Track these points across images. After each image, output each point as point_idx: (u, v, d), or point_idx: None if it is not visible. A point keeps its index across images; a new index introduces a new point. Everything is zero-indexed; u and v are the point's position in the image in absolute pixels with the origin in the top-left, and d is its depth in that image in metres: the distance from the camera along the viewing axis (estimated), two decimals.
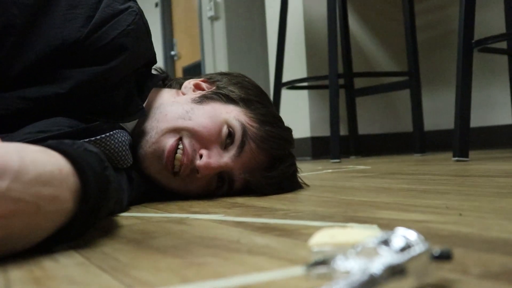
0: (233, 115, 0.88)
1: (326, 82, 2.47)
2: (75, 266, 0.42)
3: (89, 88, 0.78)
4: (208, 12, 4.39)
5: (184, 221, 0.65)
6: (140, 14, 0.82)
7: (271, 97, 2.65)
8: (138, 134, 0.88)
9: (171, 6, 5.47)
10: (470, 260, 0.36)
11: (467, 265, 0.34)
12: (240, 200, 0.86)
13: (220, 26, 4.29)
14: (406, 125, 2.99)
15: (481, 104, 2.64)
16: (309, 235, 0.38)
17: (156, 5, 5.48)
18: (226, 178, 0.89)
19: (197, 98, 0.91)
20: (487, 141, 2.65)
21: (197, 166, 0.85)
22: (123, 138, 0.80)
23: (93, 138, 0.74)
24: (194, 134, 0.86)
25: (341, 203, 0.75)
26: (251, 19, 4.25)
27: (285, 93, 2.79)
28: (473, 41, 1.66)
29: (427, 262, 0.29)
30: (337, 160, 2.21)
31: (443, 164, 1.57)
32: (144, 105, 0.88)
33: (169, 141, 0.85)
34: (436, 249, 0.30)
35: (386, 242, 0.29)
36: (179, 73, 5.24)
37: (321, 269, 0.29)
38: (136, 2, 0.84)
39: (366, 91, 2.80)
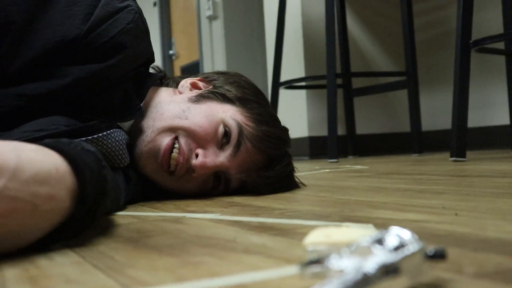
0: (229, 114, 0.88)
1: (324, 81, 2.47)
2: (71, 265, 0.42)
3: (87, 85, 0.77)
4: (206, 11, 4.39)
5: (181, 220, 0.65)
6: (139, 12, 0.82)
7: (269, 97, 2.65)
8: (135, 133, 0.87)
9: (169, 5, 5.46)
10: (465, 259, 0.36)
11: (462, 265, 0.34)
12: (237, 199, 0.86)
13: (218, 25, 4.29)
14: (403, 125, 2.99)
15: (479, 104, 2.64)
16: (306, 234, 0.38)
17: (154, 4, 5.47)
18: (222, 177, 0.89)
19: (193, 97, 0.91)
20: (485, 141, 2.65)
21: (193, 166, 0.85)
22: (120, 137, 0.80)
23: (90, 137, 0.74)
24: (190, 133, 0.86)
25: (337, 203, 0.75)
26: (249, 18, 4.25)
27: (283, 92, 2.79)
28: (470, 41, 1.66)
29: (421, 261, 0.29)
30: (335, 160, 2.22)
31: (440, 164, 1.57)
32: (141, 104, 0.88)
33: (165, 140, 0.85)
34: (431, 249, 0.30)
35: (380, 241, 0.29)
36: (177, 72, 5.23)
37: (315, 268, 0.29)
38: (135, 0, 0.84)
39: (364, 91, 2.80)
